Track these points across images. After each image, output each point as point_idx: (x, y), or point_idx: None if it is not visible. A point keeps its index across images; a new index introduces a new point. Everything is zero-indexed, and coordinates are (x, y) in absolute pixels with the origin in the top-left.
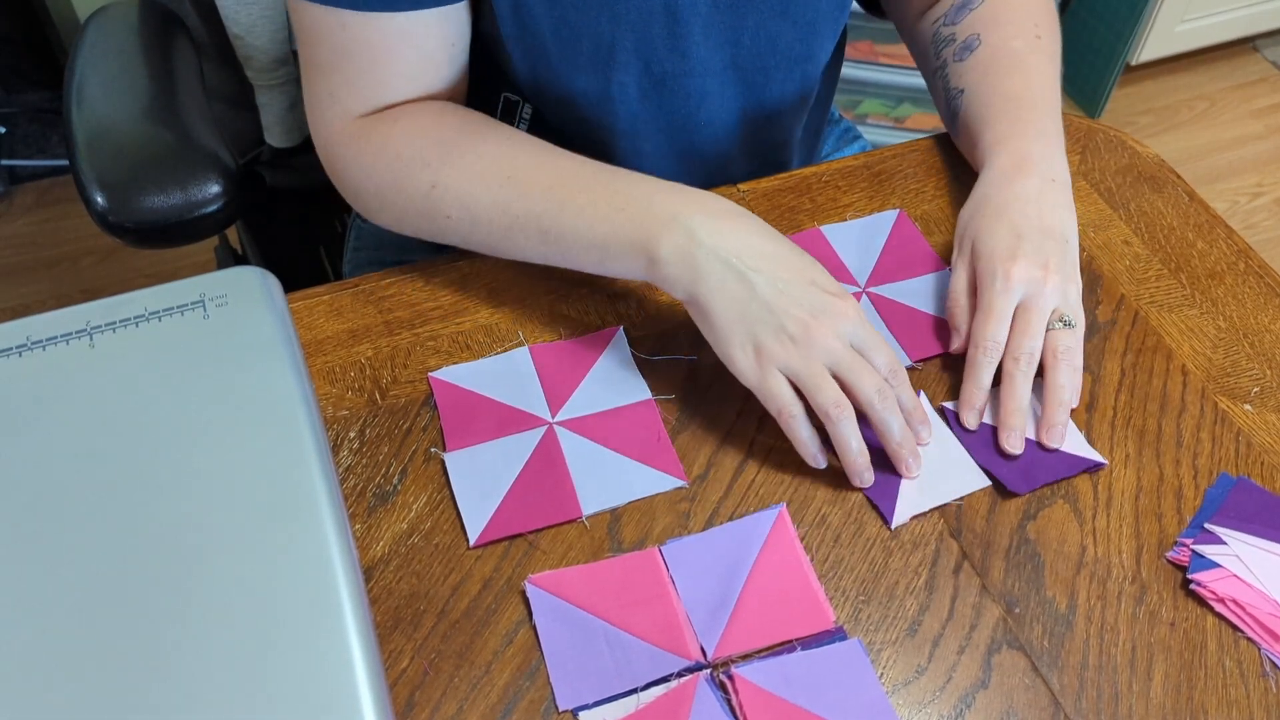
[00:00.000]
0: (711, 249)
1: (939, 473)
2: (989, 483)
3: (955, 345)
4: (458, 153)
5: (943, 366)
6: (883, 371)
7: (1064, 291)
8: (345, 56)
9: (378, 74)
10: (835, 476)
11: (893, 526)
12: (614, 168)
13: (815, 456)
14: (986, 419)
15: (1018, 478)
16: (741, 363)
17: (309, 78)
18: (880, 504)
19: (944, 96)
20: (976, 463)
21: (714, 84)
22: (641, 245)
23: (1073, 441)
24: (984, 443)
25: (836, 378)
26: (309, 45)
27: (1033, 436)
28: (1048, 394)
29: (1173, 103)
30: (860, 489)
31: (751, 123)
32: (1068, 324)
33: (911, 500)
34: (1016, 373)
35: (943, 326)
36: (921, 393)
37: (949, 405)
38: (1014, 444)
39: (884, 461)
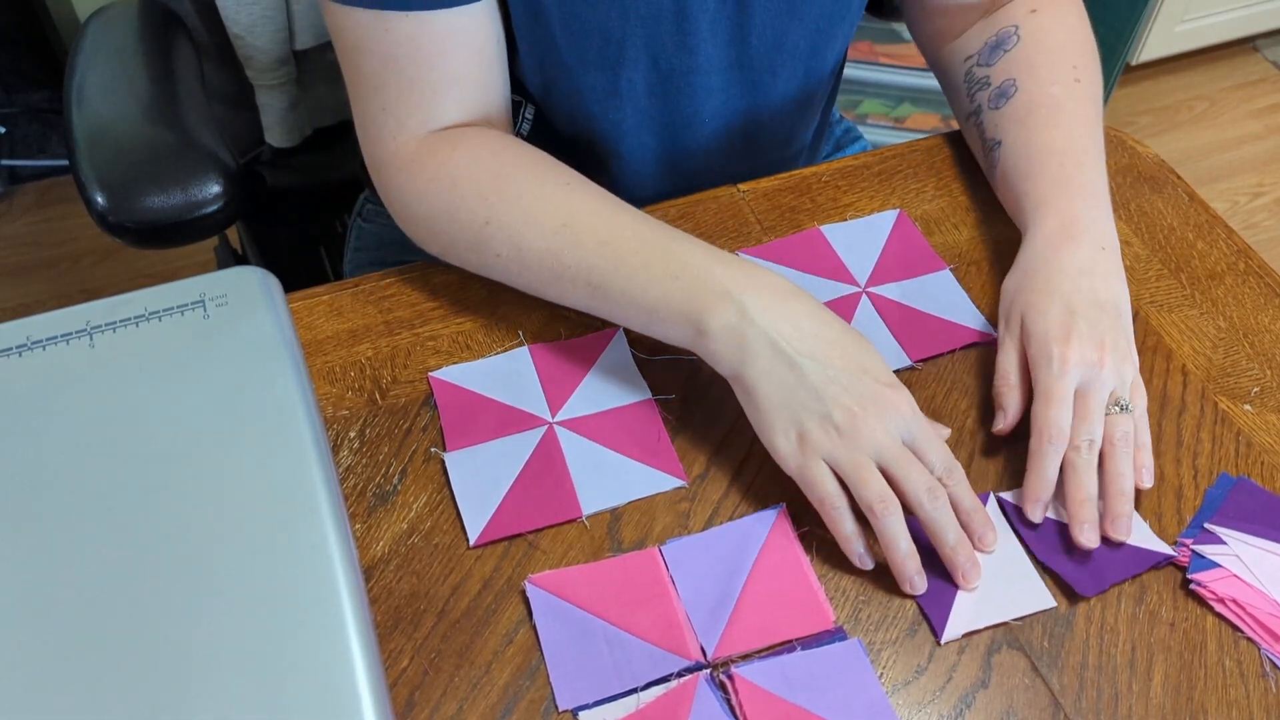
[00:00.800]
0: (762, 329)
1: (998, 583)
2: (1054, 603)
3: (1001, 426)
4: (516, 192)
5: (943, 367)
6: (937, 470)
7: (1120, 372)
8: (393, 65)
9: (430, 80)
10: None
11: (942, 641)
12: (672, 230)
13: (861, 556)
14: (1052, 514)
15: (1086, 579)
16: (784, 449)
17: (358, 95)
18: (931, 614)
19: (981, 144)
20: (1040, 563)
21: (719, 81)
22: (692, 317)
23: (1139, 534)
24: (1047, 540)
25: (885, 473)
26: (355, 59)
27: (1100, 531)
28: (1108, 483)
29: (1173, 103)
30: (911, 595)
31: (756, 121)
32: (1124, 408)
33: (967, 615)
34: (1079, 461)
35: (942, 326)
36: (990, 495)
37: (1007, 496)
38: (1089, 538)
39: (939, 567)
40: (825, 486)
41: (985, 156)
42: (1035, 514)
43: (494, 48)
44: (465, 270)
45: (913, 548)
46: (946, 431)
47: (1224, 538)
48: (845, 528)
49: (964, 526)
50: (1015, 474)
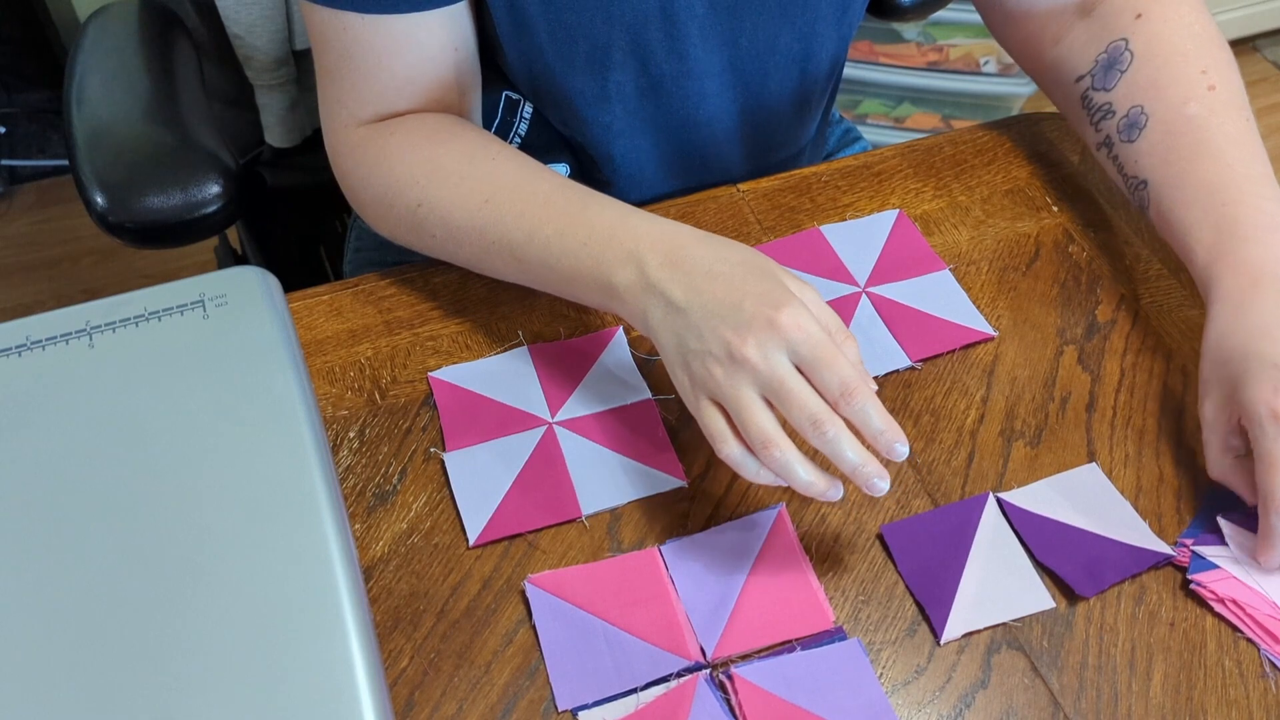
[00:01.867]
0: (655, 282)
1: (998, 583)
2: (1054, 603)
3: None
4: (443, 173)
5: (943, 367)
6: (830, 392)
7: None
8: (349, 60)
9: (381, 78)
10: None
11: (942, 641)
12: (587, 195)
13: (756, 474)
14: (1046, 511)
15: (1085, 579)
16: (682, 394)
17: (320, 83)
18: (931, 614)
19: (1123, 182)
20: (1040, 563)
21: (713, 85)
22: (601, 281)
23: (1139, 534)
24: (1047, 540)
25: (769, 403)
26: (318, 49)
27: (1099, 531)
28: None
29: None
30: (914, 595)
31: (752, 123)
32: None
33: (966, 615)
34: None
35: (942, 326)
36: (989, 495)
37: (1007, 497)
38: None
39: (940, 570)
40: (710, 426)
41: (1132, 195)
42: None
43: (448, 53)
44: (465, 270)
45: (813, 473)
46: (851, 346)
47: (1224, 539)
48: (734, 459)
49: (874, 444)
50: (1015, 474)
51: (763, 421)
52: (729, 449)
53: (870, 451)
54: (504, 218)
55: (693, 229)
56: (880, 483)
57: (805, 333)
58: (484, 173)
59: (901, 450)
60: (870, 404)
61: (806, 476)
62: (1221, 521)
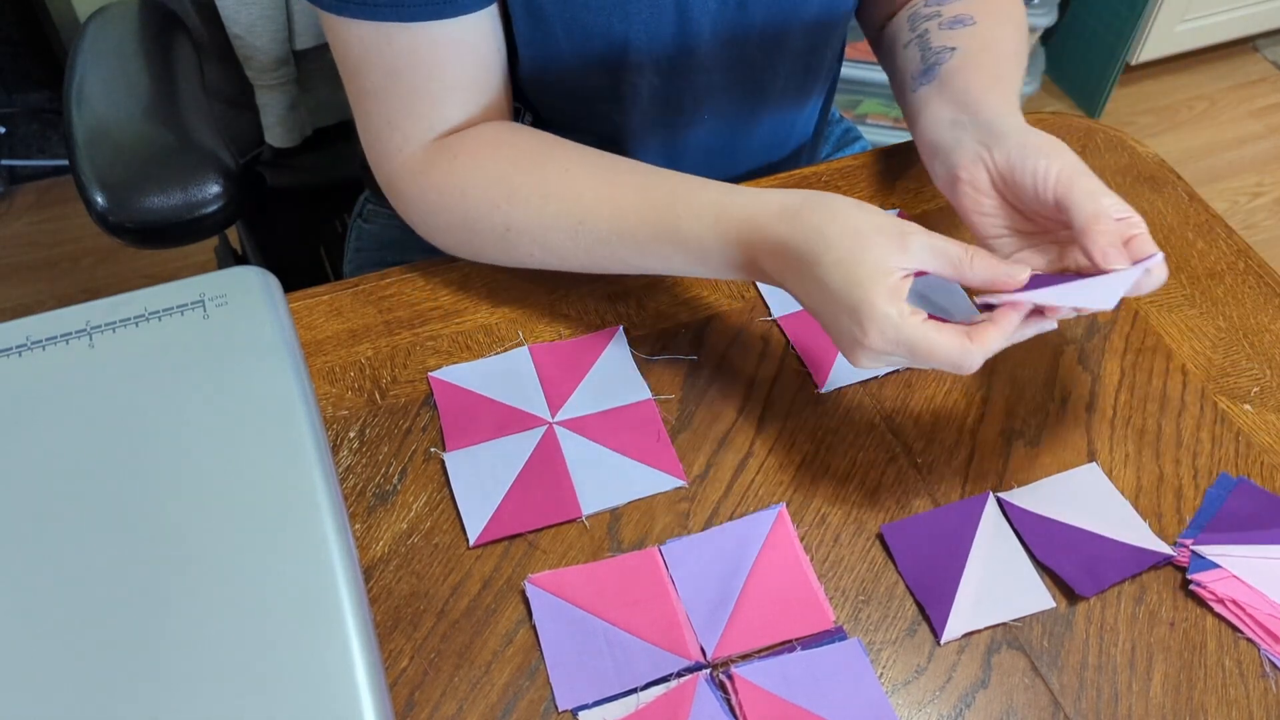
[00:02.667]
0: (781, 281)
1: (999, 585)
2: (1054, 603)
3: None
4: (523, 195)
5: None
6: (951, 369)
7: None
8: (396, 77)
9: (431, 90)
10: (835, 476)
11: (942, 641)
12: (672, 190)
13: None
14: (1046, 512)
15: (1085, 579)
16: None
17: (363, 110)
18: (931, 614)
19: (920, 53)
20: (1040, 563)
21: (720, 80)
22: (733, 274)
23: (1139, 534)
24: (1047, 540)
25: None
26: (358, 73)
27: (1099, 531)
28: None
29: (1173, 103)
30: (914, 595)
31: (756, 119)
32: None
33: (967, 615)
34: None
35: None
36: (989, 495)
37: (1007, 496)
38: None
39: (940, 569)
40: (897, 362)
41: (924, 60)
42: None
43: (494, 54)
44: (464, 270)
45: (1014, 317)
46: (980, 261)
47: (1224, 539)
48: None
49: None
50: (1015, 474)
51: (939, 355)
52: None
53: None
54: (604, 239)
55: (787, 204)
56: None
57: (895, 345)
58: (564, 190)
59: (1019, 276)
60: (989, 345)
61: (1003, 331)
62: (1225, 517)
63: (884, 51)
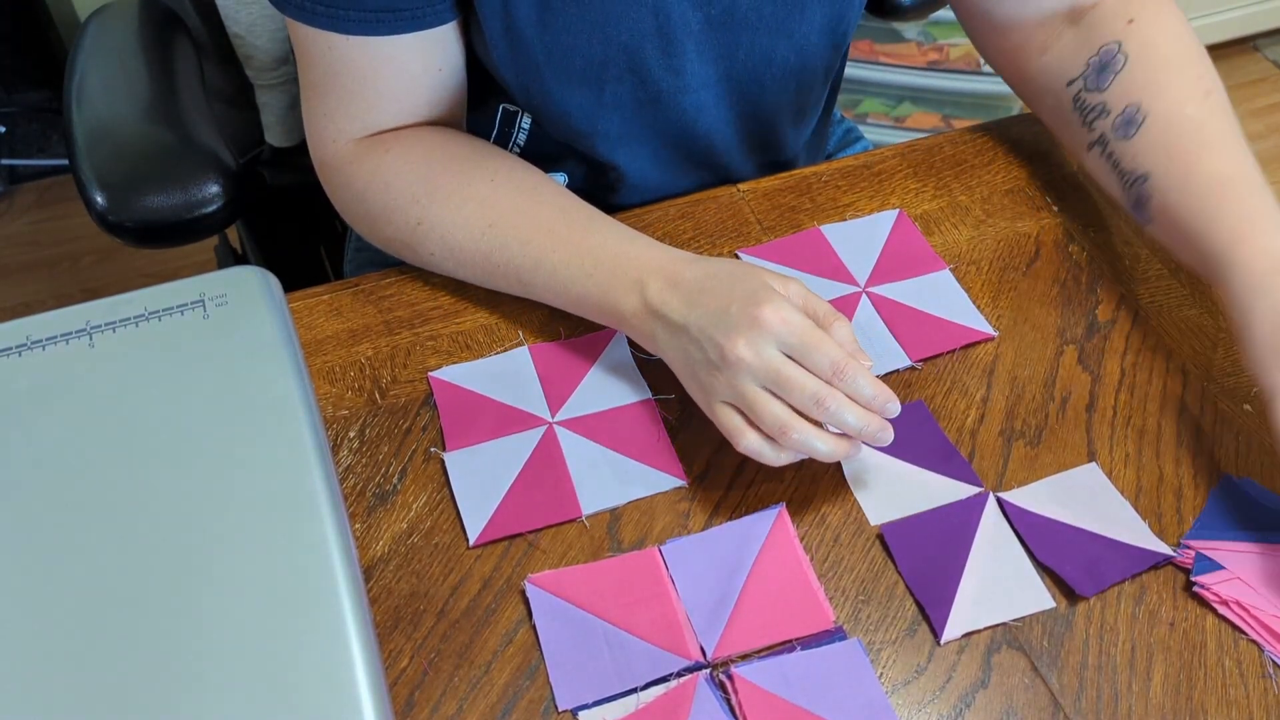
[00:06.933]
0: (657, 307)
1: (998, 583)
2: (1054, 603)
3: None
4: (444, 193)
5: (943, 367)
6: (824, 374)
7: None
8: (334, 78)
9: (365, 95)
10: (835, 476)
11: (942, 641)
12: (590, 218)
13: (776, 458)
14: (1046, 512)
15: (1085, 579)
16: (701, 404)
17: (306, 97)
18: (931, 614)
19: (1118, 179)
20: (1040, 563)
21: (710, 97)
22: (608, 308)
23: (1138, 534)
24: (1047, 540)
25: (773, 393)
26: (304, 66)
27: (1099, 531)
28: None
29: None
30: (914, 595)
31: (750, 133)
32: None
33: (967, 615)
34: None
35: (943, 326)
36: (989, 495)
37: (1006, 496)
38: None
39: (940, 569)
40: (726, 425)
41: (1127, 191)
42: None
43: (433, 74)
44: None
45: (832, 443)
46: (841, 325)
47: (1226, 539)
48: (754, 449)
49: (869, 409)
50: (1015, 474)
51: (774, 410)
52: (747, 441)
53: (870, 413)
54: (508, 244)
55: (687, 254)
56: (884, 435)
57: (789, 324)
58: (484, 194)
59: (893, 409)
60: (859, 377)
61: (827, 447)
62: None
63: (1041, 112)
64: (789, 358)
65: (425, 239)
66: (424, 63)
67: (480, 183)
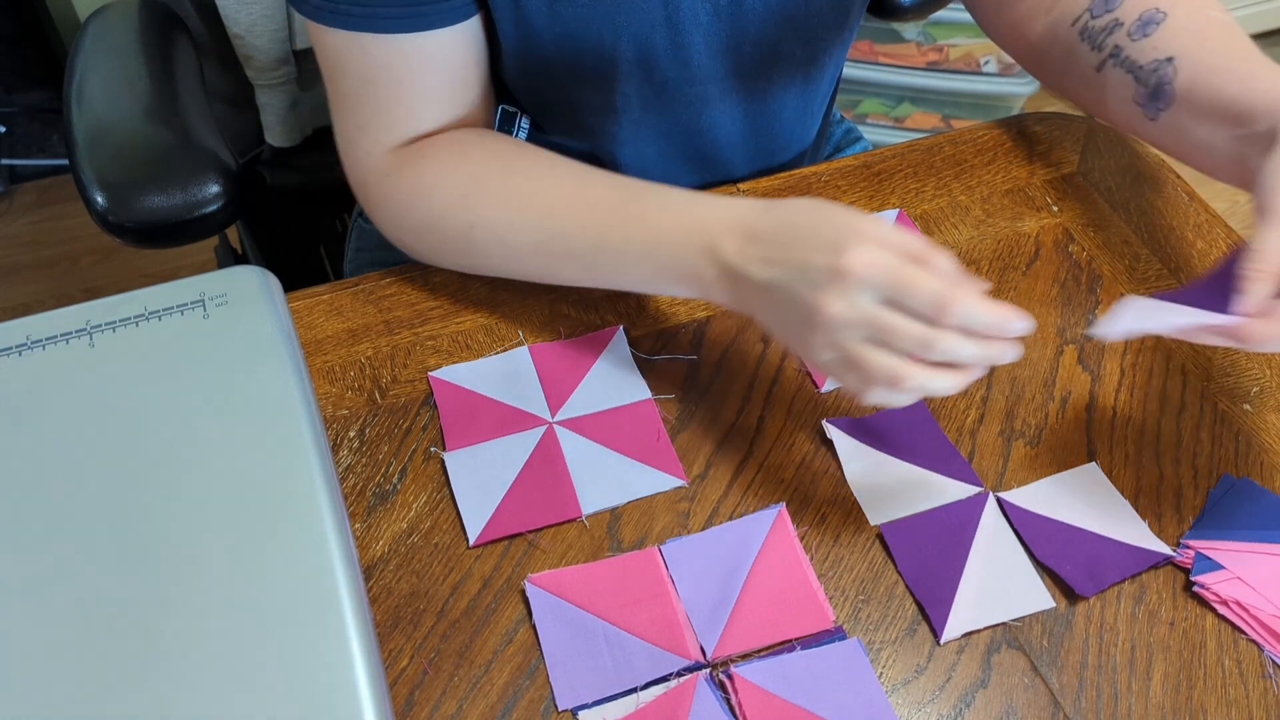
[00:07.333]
0: (737, 267)
1: (998, 583)
2: (1054, 603)
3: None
4: (491, 192)
5: None
6: (925, 312)
7: None
8: (369, 84)
9: (403, 100)
10: (835, 476)
11: (942, 641)
12: (642, 188)
13: (905, 401)
14: (1046, 512)
15: (1085, 579)
16: (808, 363)
17: (338, 113)
18: (931, 614)
19: (1132, 76)
20: (1040, 563)
21: (715, 91)
22: (686, 279)
23: (1138, 533)
24: (1047, 540)
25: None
26: (334, 77)
27: (1099, 531)
28: None
29: None
30: (914, 595)
31: (754, 127)
32: None
33: (966, 615)
34: None
35: None
36: (989, 495)
37: (1006, 496)
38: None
39: (940, 569)
40: (841, 380)
41: (1143, 84)
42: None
43: (469, 68)
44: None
45: (953, 378)
46: (938, 257)
47: (1226, 539)
48: (879, 402)
49: (991, 334)
50: (1015, 474)
51: (881, 361)
52: (869, 398)
53: (988, 340)
54: (566, 231)
55: (757, 201)
56: (1008, 354)
57: (876, 267)
58: (531, 188)
59: (1019, 326)
60: (968, 307)
61: (948, 383)
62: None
63: (1047, 70)
64: (888, 302)
65: (480, 242)
66: (461, 57)
67: (525, 178)
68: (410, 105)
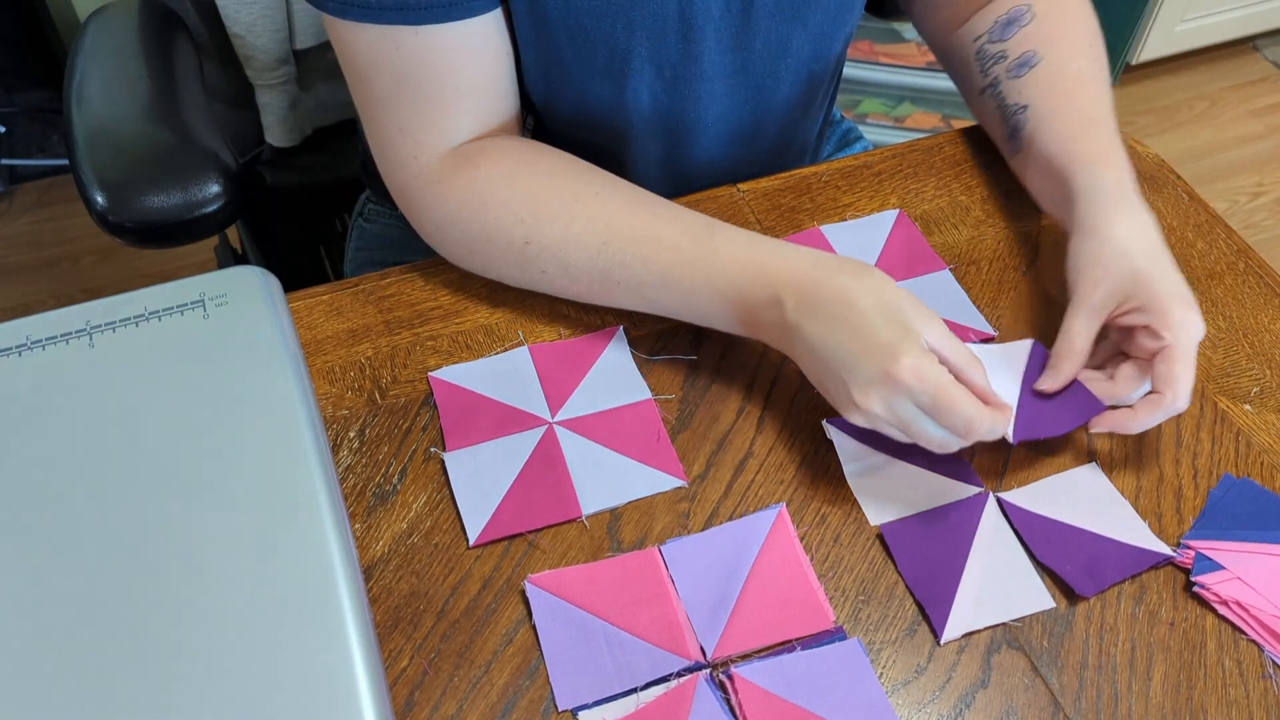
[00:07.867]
0: (794, 325)
1: (998, 583)
2: (1054, 603)
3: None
4: (550, 211)
5: None
6: (958, 432)
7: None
8: (405, 82)
9: (442, 97)
10: (835, 476)
11: (942, 641)
12: (707, 226)
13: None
14: (1046, 512)
15: (1085, 579)
16: (849, 416)
17: (372, 117)
18: (931, 614)
19: (1000, 112)
20: (1040, 563)
21: (723, 87)
22: (744, 319)
23: (1138, 533)
24: (1047, 540)
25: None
26: (366, 80)
27: (1099, 531)
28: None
29: (1173, 103)
30: (914, 595)
31: (759, 124)
32: None
33: (966, 615)
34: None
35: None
36: (989, 495)
37: (1007, 496)
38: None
39: (940, 569)
40: (889, 433)
41: (1006, 122)
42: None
43: (503, 58)
44: (465, 270)
45: (993, 421)
46: (976, 371)
47: (1227, 539)
48: (934, 443)
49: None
50: (1015, 474)
51: (931, 433)
52: (934, 446)
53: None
54: (629, 262)
55: (822, 257)
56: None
57: (923, 382)
58: (593, 210)
59: (1008, 435)
60: (992, 428)
61: (992, 432)
62: (829, 426)
63: (953, 72)
64: (924, 409)
65: (536, 259)
66: (492, 48)
67: (586, 198)
68: (447, 101)
